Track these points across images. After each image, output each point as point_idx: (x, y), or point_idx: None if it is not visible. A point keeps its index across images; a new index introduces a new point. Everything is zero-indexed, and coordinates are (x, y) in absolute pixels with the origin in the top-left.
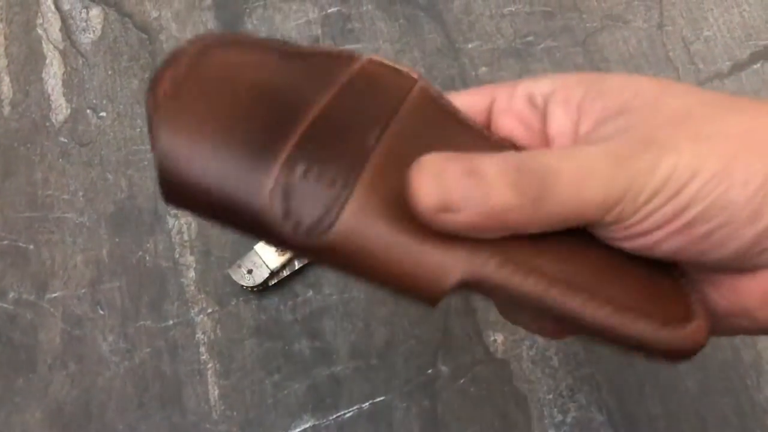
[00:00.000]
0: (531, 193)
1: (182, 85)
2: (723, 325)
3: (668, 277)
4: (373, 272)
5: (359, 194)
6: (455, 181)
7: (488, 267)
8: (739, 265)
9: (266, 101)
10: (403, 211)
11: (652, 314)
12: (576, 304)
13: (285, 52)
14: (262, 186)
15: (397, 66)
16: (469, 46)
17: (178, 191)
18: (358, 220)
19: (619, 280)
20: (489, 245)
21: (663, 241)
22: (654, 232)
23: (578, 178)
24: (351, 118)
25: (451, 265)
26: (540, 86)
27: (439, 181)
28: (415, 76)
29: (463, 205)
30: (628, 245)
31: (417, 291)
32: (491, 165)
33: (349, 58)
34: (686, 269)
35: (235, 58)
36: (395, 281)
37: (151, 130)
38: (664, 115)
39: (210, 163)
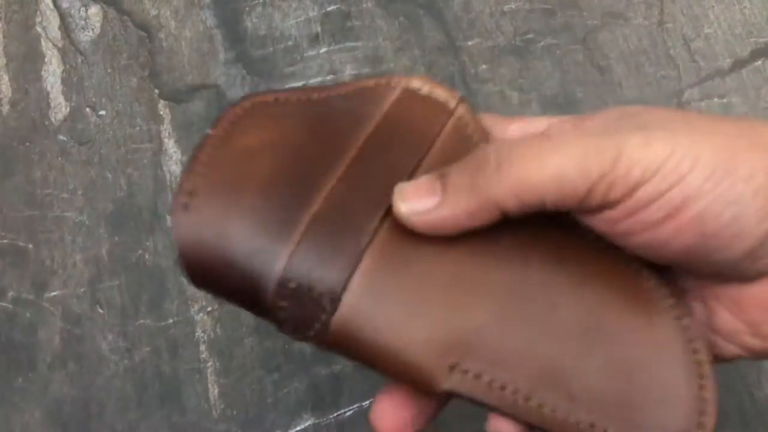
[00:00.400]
0: (490, 167)
1: (205, 189)
2: (729, 346)
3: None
4: (371, 367)
5: (346, 304)
6: (425, 187)
7: (466, 383)
8: (745, 268)
9: (271, 201)
10: (391, 315)
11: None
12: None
13: (312, 103)
14: (262, 299)
15: (434, 95)
16: (469, 43)
17: (200, 278)
18: (345, 330)
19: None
20: (470, 358)
21: (673, 238)
22: (662, 225)
23: (550, 147)
24: (355, 203)
25: (435, 375)
26: (534, 124)
27: (412, 194)
28: (452, 105)
29: (429, 207)
30: (639, 240)
31: (413, 386)
32: (456, 165)
33: (384, 91)
34: (689, 284)
35: (254, 141)
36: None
37: (173, 225)
38: (656, 115)
39: (221, 271)
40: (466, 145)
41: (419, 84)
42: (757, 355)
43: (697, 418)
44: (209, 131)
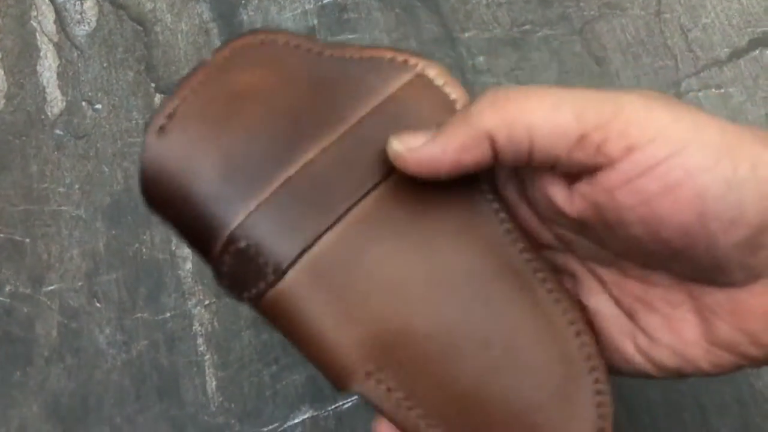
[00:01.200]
0: (485, 102)
1: (185, 115)
2: (729, 356)
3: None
4: (292, 345)
5: (288, 281)
6: (422, 132)
7: (377, 393)
8: (739, 263)
9: (249, 150)
10: (326, 306)
11: None
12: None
13: (321, 59)
14: (210, 247)
15: (445, 90)
16: (466, 35)
17: (155, 203)
18: (279, 306)
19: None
20: (387, 371)
21: (672, 214)
22: (661, 199)
23: (550, 91)
24: (332, 180)
25: (350, 376)
26: None
27: (407, 135)
28: (459, 106)
29: (422, 141)
30: (636, 216)
31: (327, 377)
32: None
33: (398, 68)
34: (684, 296)
35: (250, 82)
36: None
37: (145, 138)
38: (661, 96)
39: (178, 205)
40: None
41: (435, 74)
42: (759, 364)
43: None
44: (208, 57)
